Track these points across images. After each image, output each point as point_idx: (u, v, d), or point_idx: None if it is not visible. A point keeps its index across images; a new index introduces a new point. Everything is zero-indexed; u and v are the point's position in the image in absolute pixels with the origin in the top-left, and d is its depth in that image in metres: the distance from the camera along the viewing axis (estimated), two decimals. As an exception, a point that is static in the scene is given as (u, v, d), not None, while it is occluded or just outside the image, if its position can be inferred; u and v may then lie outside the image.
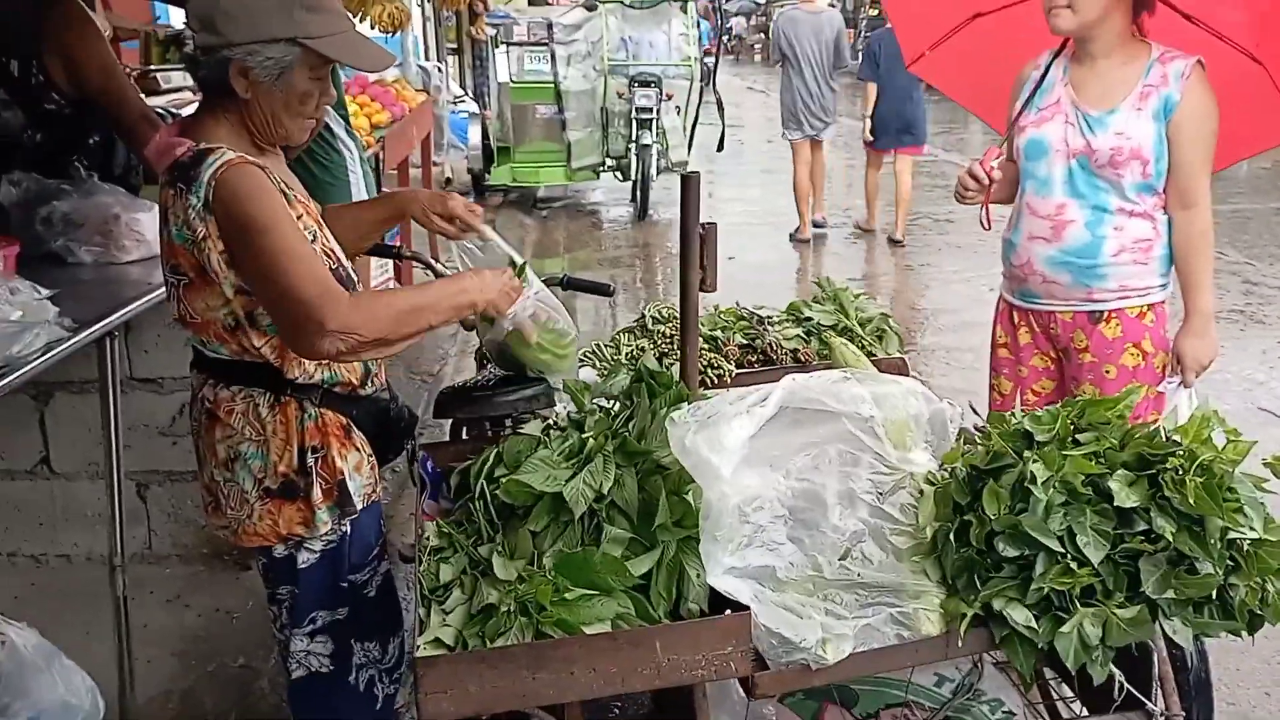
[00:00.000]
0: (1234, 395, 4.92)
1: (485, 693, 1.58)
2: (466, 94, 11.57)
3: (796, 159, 8.43)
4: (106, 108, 2.95)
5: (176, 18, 6.20)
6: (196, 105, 1.91)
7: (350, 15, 6.69)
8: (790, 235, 8.56)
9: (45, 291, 2.22)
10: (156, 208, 2.89)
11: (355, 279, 1.97)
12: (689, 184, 1.91)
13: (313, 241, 1.84)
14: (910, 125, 8.11)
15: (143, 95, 3.19)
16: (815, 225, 8.69)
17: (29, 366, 1.99)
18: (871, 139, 8.25)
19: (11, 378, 1.95)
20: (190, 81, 5.16)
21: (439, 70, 9.94)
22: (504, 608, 1.65)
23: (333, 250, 1.93)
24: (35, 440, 3.30)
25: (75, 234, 2.79)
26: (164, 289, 2.58)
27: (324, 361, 1.89)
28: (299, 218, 1.84)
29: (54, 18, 2.87)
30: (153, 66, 5.46)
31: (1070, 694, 2.29)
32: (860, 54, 8.36)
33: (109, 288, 2.64)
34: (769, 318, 2.92)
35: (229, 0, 1.76)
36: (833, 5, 8.45)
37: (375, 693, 2.08)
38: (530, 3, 13.32)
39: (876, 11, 7.26)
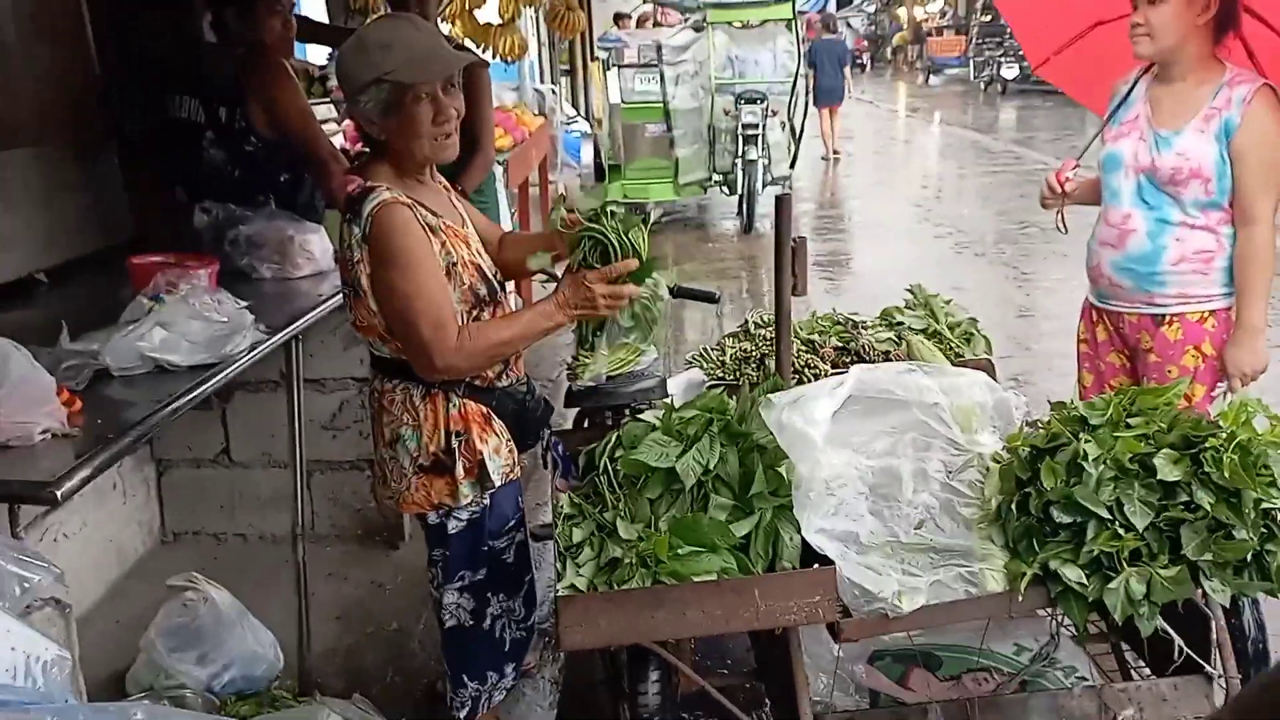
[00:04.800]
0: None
1: (613, 627, 1.91)
2: (579, 114, 12.06)
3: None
4: (300, 148, 3.36)
5: (313, 55, 6.70)
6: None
7: (475, 46, 7.09)
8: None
9: (242, 302, 2.65)
10: (324, 230, 3.37)
11: (499, 286, 2.31)
12: (782, 204, 2.22)
13: (454, 265, 2.16)
14: (834, 92, 14.41)
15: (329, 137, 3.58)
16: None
17: (241, 362, 2.41)
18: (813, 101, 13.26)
19: (228, 371, 2.37)
20: (334, 114, 5.71)
21: (553, 92, 10.42)
22: (627, 560, 1.98)
23: (479, 264, 2.25)
24: (218, 433, 3.77)
25: (257, 254, 3.23)
26: (330, 300, 3.04)
27: None
28: (441, 245, 2.16)
29: (258, 72, 3.31)
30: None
31: (1142, 664, 2.50)
32: (805, 56, 12.32)
33: (287, 299, 3.05)
34: (862, 322, 3.18)
35: (341, 65, 2.17)
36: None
37: (505, 636, 2.42)
38: (638, 25, 13.76)
39: (813, 38, 14.37)
